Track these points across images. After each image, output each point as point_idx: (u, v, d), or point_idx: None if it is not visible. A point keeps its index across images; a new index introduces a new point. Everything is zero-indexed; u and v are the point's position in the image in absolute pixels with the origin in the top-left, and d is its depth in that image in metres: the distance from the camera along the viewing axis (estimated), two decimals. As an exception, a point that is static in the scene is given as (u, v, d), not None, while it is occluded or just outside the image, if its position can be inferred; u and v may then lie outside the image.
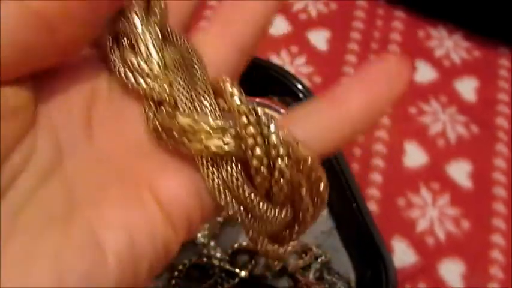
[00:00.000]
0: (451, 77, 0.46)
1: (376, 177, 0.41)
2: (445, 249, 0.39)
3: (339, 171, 0.35)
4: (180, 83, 0.15)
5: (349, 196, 0.35)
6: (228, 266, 0.34)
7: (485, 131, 0.44)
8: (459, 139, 0.44)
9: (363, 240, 0.34)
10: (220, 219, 0.37)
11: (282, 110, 0.39)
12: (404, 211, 0.40)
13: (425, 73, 0.46)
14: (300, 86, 0.38)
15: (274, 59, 0.46)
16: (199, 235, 0.36)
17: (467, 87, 0.46)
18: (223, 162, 0.14)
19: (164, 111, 0.15)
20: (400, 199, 0.41)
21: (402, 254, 0.39)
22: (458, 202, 0.41)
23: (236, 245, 0.36)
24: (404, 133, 0.43)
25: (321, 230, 0.38)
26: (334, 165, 0.35)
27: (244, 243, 0.36)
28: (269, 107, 0.40)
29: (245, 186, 0.14)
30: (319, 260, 0.36)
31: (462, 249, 0.39)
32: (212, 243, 0.36)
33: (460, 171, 0.42)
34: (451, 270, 0.38)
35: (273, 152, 0.14)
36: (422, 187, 0.41)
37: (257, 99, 0.41)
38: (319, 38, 0.47)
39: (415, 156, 0.43)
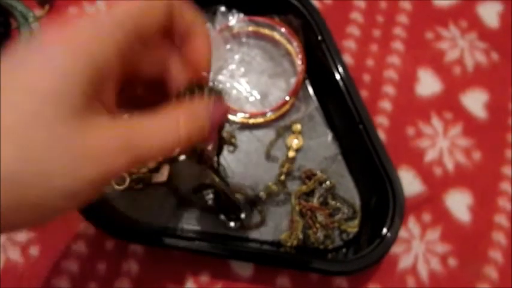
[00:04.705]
0: None
1: (386, 104, 0.39)
2: (453, 180, 0.38)
3: (345, 92, 0.33)
4: None
5: (356, 119, 0.33)
6: None
7: (505, 59, 0.41)
8: (477, 67, 0.41)
9: (370, 165, 0.33)
10: (183, 157, 0.35)
11: (283, 29, 0.37)
12: (413, 140, 0.39)
13: (445, -5, 0.43)
14: (303, 3, 0.35)
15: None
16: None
17: (489, 12, 0.43)
18: None
19: None
20: (409, 128, 0.39)
21: (408, 184, 0.37)
22: (471, 133, 0.39)
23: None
24: (419, 59, 0.41)
25: (323, 156, 0.37)
26: (341, 87, 0.34)
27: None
28: (270, 26, 0.38)
29: None
30: (324, 185, 0.35)
31: (471, 180, 0.38)
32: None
33: (475, 101, 0.40)
34: (458, 201, 0.37)
35: None
36: (433, 116, 0.39)
37: (256, 18, 0.38)
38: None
39: (428, 84, 0.40)
